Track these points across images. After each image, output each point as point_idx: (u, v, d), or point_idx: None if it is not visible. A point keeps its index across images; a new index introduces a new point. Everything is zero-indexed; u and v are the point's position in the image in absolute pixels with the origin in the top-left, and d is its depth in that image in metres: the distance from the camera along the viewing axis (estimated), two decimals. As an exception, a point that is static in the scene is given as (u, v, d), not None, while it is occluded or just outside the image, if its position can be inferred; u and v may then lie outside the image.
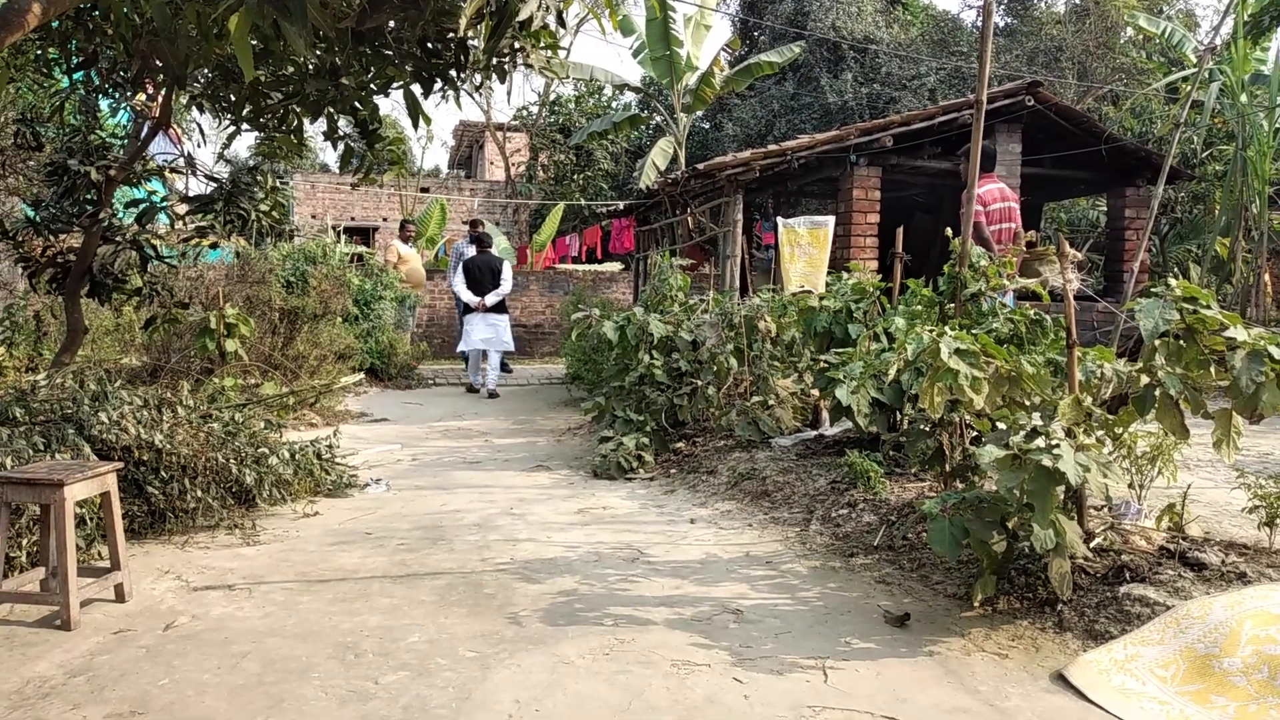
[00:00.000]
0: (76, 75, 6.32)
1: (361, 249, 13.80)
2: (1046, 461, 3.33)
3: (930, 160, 10.01)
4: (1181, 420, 3.67)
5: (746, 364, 7.15)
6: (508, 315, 11.88)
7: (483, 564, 4.53)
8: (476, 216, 14.20)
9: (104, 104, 7.73)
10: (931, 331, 4.23)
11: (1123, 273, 10.68)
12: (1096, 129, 10.41)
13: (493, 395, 11.37)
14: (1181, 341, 3.67)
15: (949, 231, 5.63)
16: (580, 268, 18.93)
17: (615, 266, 18.97)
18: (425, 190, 24.36)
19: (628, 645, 3.46)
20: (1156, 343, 3.68)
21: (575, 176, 22.96)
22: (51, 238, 6.76)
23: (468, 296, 11.49)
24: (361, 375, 11.12)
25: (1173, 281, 3.72)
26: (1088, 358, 4.16)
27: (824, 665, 3.28)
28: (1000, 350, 4.17)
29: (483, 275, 11.57)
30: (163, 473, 4.88)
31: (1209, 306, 3.63)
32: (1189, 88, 9.83)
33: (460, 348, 12.09)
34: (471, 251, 12.09)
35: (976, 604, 3.72)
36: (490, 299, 11.52)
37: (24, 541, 4.09)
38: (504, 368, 12.40)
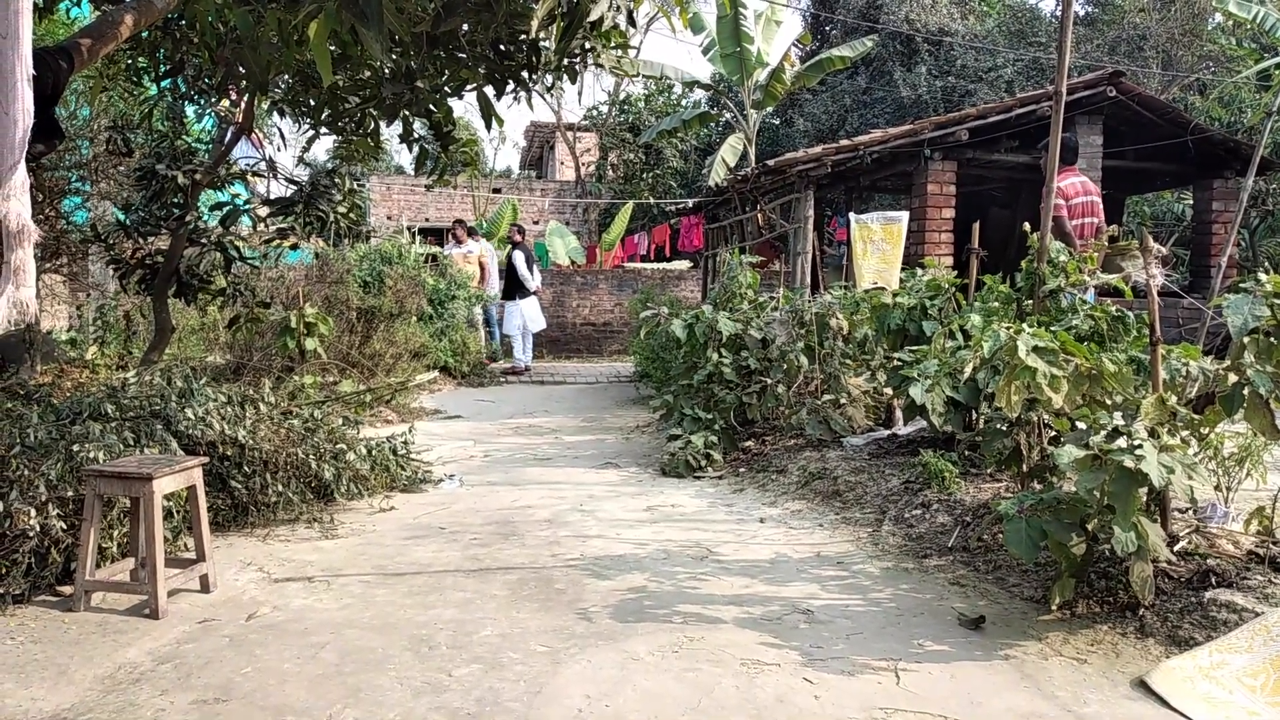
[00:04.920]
0: (164, 83, 6.55)
1: (435, 249, 14.06)
2: (1129, 462, 3.24)
3: (1007, 154, 9.80)
4: (1272, 420, 3.54)
5: (817, 362, 7.09)
6: None
7: (553, 559, 4.57)
8: (519, 223, 15.37)
9: (190, 110, 7.99)
10: (1009, 328, 4.15)
11: (1209, 268, 10.31)
12: (1182, 119, 10.07)
13: (528, 369, 13.29)
14: (1272, 339, 3.54)
15: (1026, 226, 5.51)
16: (649, 266, 18.96)
17: (684, 264, 18.94)
18: (497, 191, 24.65)
19: (697, 643, 3.46)
20: (1245, 340, 3.56)
21: (644, 175, 23.00)
22: (140, 240, 7.02)
23: (532, 284, 13.24)
24: (436, 373, 11.31)
25: (1263, 276, 3.59)
26: (1172, 355, 4.04)
27: (896, 667, 3.24)
28: (1080, 348, 4.07)
29: (530, 263, 13.40)
30: (245, 467, 5.03)
31: (1302, 302, 3.49)
32: (1282, 75, 9.45)
33: (526, 328, 13.30)
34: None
35: (1054, 607, 3.63)
36: (539, 282, 13.75)
37: (115, 533, 4.25)
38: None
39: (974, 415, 5.52)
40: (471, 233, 14.58)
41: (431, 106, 5.82)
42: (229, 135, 7.23)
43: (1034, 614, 3.70)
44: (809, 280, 9.77)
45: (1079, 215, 7.33)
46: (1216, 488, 4.20)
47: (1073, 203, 7.31)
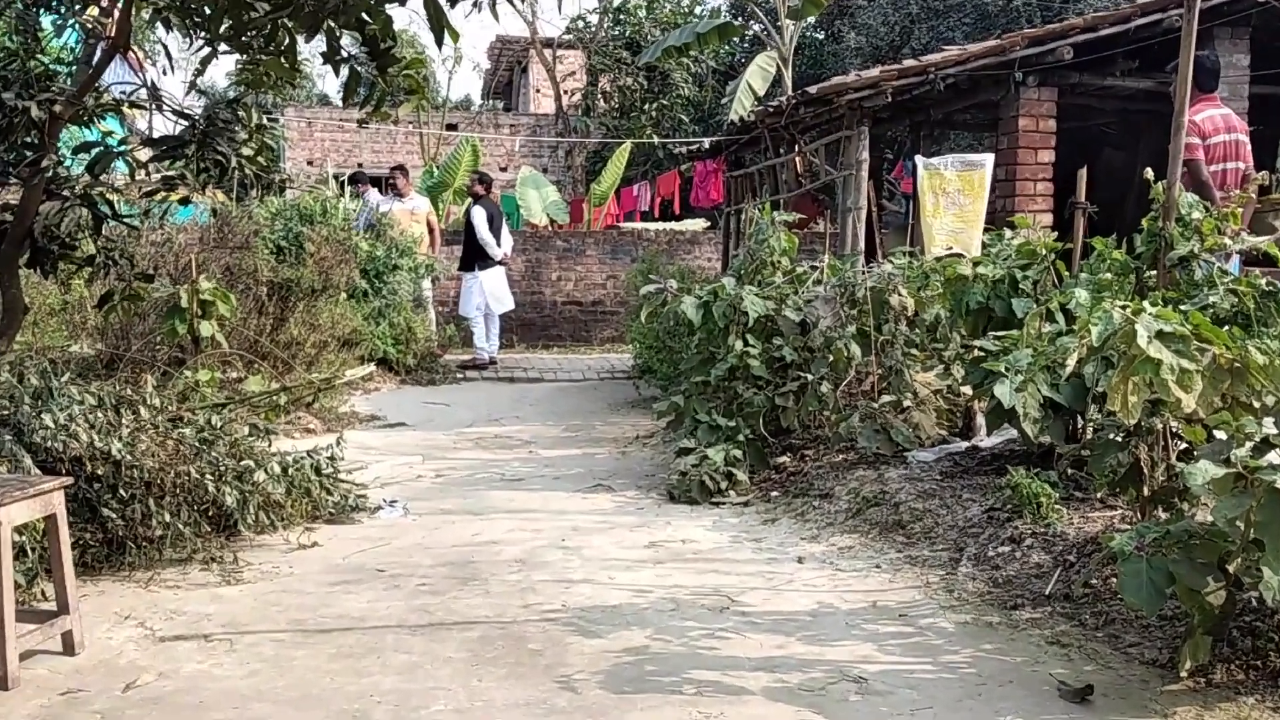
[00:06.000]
0: (13, -15, 6.53)
1: (381, 199, 14.07)
2: (1282, 483, 3.24)
3: (1124, 79, 9.78)
4: None
5: (874, 352, 7.09)
6: None
7: (526, 611, 4.58)
8: (482, 171, 15.31)
9: (46, 21, 7.97)
10: (1125, 308, 4.15)
11: (1393, 228, 10.32)
12: (1358, 30, 10.06)
13: (493, 362, 13.34)
14: None
15: (1149, 174, 5.50)
16: (652, 226, 18.95)
17: (698, 224, 18.96)
18: (452, 128, 24.62)
19: (715, 721, 3.47)
20: None
21: (646, 107, 23.00)
22: (-18, 192, 7.00)
23: (497, 251, 13.12)
24: (372, 367, 11.32)
25: None
26: (1341, 343, 4.04)
27: (976, 752, 3.25)
28: (1220, 333, 4.07)
29: (496, 223, 13.19)
30: (122, 491, 5.02)
31: None
32: None
33: (490, 309, 13.31)
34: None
35: (1184, 674, 3.64)
36: (508, 248, 13.54)
37: (-50, 577, 4.25)
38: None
39: (1079, 422, 5.53)
40: (358, 180, 14.75)
41: (364, 16, 5.81)
42: (98, 54, 7.22)
43: (1157, 683, 3.70)
44: (863, 245, 9.77)
45: (1219, 159, 7.32)
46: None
47: (1210, 142, 7.30)
